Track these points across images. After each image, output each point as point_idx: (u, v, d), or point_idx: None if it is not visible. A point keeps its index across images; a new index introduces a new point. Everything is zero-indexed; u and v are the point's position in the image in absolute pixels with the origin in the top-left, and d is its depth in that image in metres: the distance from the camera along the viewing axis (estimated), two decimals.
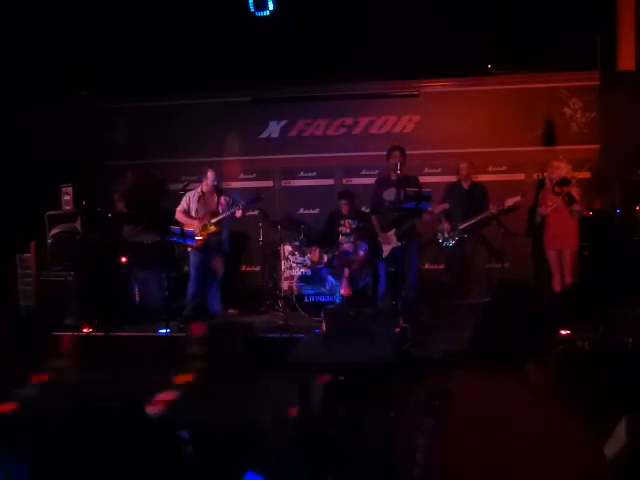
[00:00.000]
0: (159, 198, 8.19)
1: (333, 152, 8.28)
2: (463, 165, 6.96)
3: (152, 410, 3.36)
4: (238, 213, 6.77)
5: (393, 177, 6.44)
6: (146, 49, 7.74)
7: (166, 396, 4.13)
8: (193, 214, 6.79)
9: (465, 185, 6.97)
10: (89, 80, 8.34)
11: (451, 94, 8.12)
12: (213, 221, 6.69)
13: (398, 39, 7.12)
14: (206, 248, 6.71)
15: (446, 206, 6.85)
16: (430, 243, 7.14)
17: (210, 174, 6.82)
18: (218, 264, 6.85)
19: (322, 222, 7.56)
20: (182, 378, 4.88)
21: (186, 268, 7.13)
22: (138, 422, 1.98)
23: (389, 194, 6.54)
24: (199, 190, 6.87)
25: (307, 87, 8.19)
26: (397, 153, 6.46)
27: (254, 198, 6.88)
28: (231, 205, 6.80)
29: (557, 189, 6.31)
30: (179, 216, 6.85)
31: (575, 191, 6.34)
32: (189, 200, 6.85)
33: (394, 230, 6.40)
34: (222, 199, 6.86)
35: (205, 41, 7.63)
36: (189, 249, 6.78)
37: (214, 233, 6.71)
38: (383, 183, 6.73)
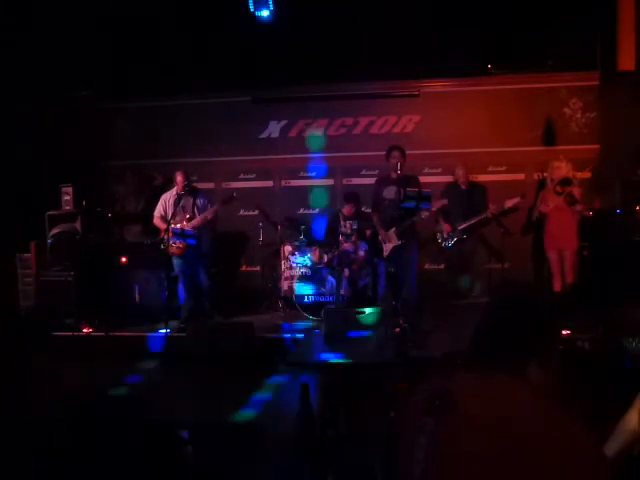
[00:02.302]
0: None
1: (333, 152, 8.28)
2: (460, 172, 6.96)
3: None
4: (209, 216, 6.74)
5: (393, 176, 6.44)
6: (146, 49, 7.74)
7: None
8: (170, 218, 6.66)
9: (463, 186, 6.96)
10: (89, 80, 8.34)
11: (451, 94, 8.12)
12: (189, 226, 6.65)
13: (398, 39, 7.12)
14: (185, 254, 6.68)
15: (445, 202, 6.80)
16: (430, 243, 7.14)
17: (179, 178, 6.74)
18: (200, 266, 6.83)
19: (322, 222, 7.57)
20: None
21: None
22: (138, 422, 1.98)
23: (389, 192, 6.54)
24: (174, 192, 6.79)
25: (307, 87, 8.18)
26: (397, 153, 6.46)
27: (227, 199, 6.85)
28: (205, 205, 6.78)
29: (559, 189, 6.30)
30: (157, 222, 6.81)
31: (577, 191, 6.33)
32: (165, 204, 6.79)
33: (394, 229, 6.40)
34: (198, 201, 6.82)
35: (205, 41, 7.63)
36: (169, 254, 6.71)
37: (192, 237, 6.67)
38: (383, 182, 6.73)
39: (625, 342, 4.47)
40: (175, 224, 6.63)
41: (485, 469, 1.40)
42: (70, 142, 8.11)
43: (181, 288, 6.81)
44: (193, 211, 6.76)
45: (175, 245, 6.59)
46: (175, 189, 6.81)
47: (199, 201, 6.82)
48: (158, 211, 6.83)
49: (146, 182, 8.33)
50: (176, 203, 6.71)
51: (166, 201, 6.80)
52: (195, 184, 7.26)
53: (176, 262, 6.77)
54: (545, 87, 7.83)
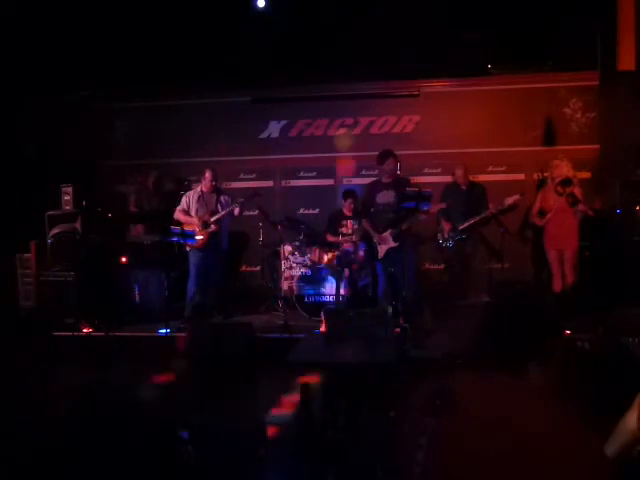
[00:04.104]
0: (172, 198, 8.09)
1: (333, 152, 8.28)
2: (459, 172, 6.95)
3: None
4: (236, 211, 6.80)
5: (386, 180, 6.45)
6: (146, 49, 7.75)
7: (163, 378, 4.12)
8: (193, 214, 6.82)
9: (463, 186, 6.96)
10: (89, 80, 8.34)
11: (451, 94, 8.12)
12: (212, 220, 6.72)
13: (398, 39, 7.12)
14: (206, 247, 6.73)
15: (443, 205, 6.83)
16: (430, 243, 7.14)
17: (208, 174, 6.85)
18: (218, 263, 6.86)
19: (323, 222, 7.55)
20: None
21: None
22: (138, 422, 1.98)
23: (383, 197, 6.50)
24: (199, 190, 6.91)
25: (307, 87, 8.19)
26: (391, 160, 6.43)
27: (251, 195, 6.91)
28: (229, 203, 6.83)
29: (560, 189, 6.29)
30: (179, 216, 6.87)
31: (577, 191, 6.33)
32: (189, 200, 6.88)
33: (390, 231, 6.40)
34: (222, 198, 6.90)
35: (205, 41, 7.63)
36: (188, 249, 6.79)
37: (214, 232, 6.73)
38: (376, 187, 6.68)
39: (625, 342, 4.47)
40: (198, 219, 6.71)
41: (486, 469, 1.40)
42: (70, 142, 8.12)
43: (191, 285, 6.82)
44: (216, 207, 6.83)
45: (197, 238, 6.64)
46: (200, 187, 6.91)
47: (222, 198, 6.89)
48: (181, 206, 6.90)
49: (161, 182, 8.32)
50: (199, 199, 6.82)
51: (190, 197, 6.88)
52: (196, 184, 7.29)
53: (192, 257, 6.79)
54: (545, 87, 7.83)
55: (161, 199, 7.93)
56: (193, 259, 6.80)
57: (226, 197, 6.95)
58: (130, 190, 8.14)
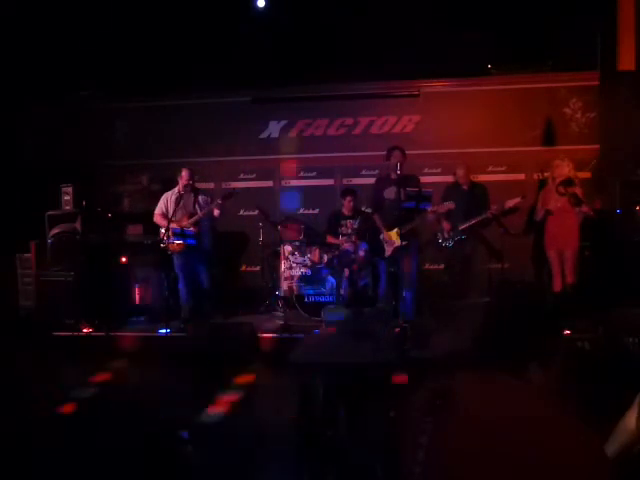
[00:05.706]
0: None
1: (333, 152, 8.28)
2: (460, 172, 6.94)
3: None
4: (215, 212, 6.70)
5: (393, 176, 6.44)
6: (146, 49, 7.75)
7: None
8: (171, 216, 6.63)
9: (465, 186, 6.96)
10: (89, 80, 8.35)
11: (451, 94, 8.12)
12: (190, 222, 6.63)
13: (398, 39, 7.13)
14: (187, 251, 6.65)
15: (452, 206, 6.80)
16: (430, 243, 7.14)
17: (185, 173, 6.71)
18: (202, 264, 6.81)
19: (323, 222, 7.55)
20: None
21: None
22: (138, 422, 1.98)
23: (390, 193, 6.53)
24: (176, 191, 6.75)
25: (307, 87, 8.19)
26: (397, 153, 6.46)
27: (228, 194, 6.81)
28: (208, 203, 6.75)
29: (562, 190, 6.29)
30: (157, 219, 6.79)
31: (579, 191, 6.33)
32: (167, 201, 6.76)
33: (397, 229, 6.40)
34: (199, 198, 6.79)
35: (205, 41, 7.64)
36: (169, 252, 6.68)
37: (194, 234, 6.66)
38: (384, 182, 6.72)
39: (625, 342, 4.47)
40: (176, 222, 6.61)
41: (486, 469, 1.40)
42: (70, 142, 8.13)
43: (182, 287, 6.79)
44: (194, 209, 6.73)
45: (176, 242, 6.58)
46: (177, 187, 6.78)
47: (201, 198, 6.81)
48: (159, 208, 6.81)
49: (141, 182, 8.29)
50: (177, 201, 6.67)
51: (167, 199, 6.78)
52: (195, 184, 7.27)
53: (176, 260, 6.74)
54: (545, 87, 7.83)
55: (154, 200, 7.91)
56: (177, 263, 6.75)
57: (204, 197, 6.85)
58: (125, 191, 8.11)
